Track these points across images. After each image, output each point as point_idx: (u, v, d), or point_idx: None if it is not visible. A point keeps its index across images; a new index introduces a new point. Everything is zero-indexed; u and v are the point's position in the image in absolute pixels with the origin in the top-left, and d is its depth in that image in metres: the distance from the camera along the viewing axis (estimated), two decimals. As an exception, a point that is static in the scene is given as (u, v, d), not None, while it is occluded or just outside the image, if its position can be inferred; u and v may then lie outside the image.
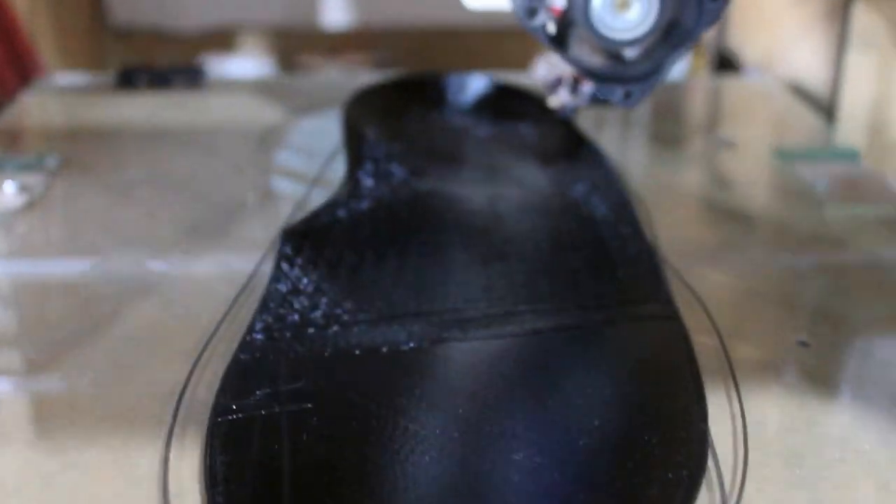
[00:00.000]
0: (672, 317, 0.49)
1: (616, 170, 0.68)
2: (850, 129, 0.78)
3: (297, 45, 1.17)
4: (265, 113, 0.84)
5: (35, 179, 0.69)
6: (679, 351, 0.46)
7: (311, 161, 0.72)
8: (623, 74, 0.59)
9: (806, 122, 0.82)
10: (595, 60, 0.60)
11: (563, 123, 0.76)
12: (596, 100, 0.72)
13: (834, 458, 0.41)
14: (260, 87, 0.92)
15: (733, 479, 0.39)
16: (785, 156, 0.73)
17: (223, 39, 1.20)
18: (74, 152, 0.75)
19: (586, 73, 0.59)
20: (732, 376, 0.46)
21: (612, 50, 0.59)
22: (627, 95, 0.59)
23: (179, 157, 0.74)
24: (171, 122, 0.82)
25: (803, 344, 0.49)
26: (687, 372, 0.44)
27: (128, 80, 0.91)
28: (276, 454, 0.38)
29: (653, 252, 0.56)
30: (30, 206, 0.65)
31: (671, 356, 0.46)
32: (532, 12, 0.58)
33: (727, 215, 0.65)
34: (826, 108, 0.83)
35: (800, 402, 0.45)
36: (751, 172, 0.73)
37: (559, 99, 0.72)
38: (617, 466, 0.38)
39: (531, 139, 0.74)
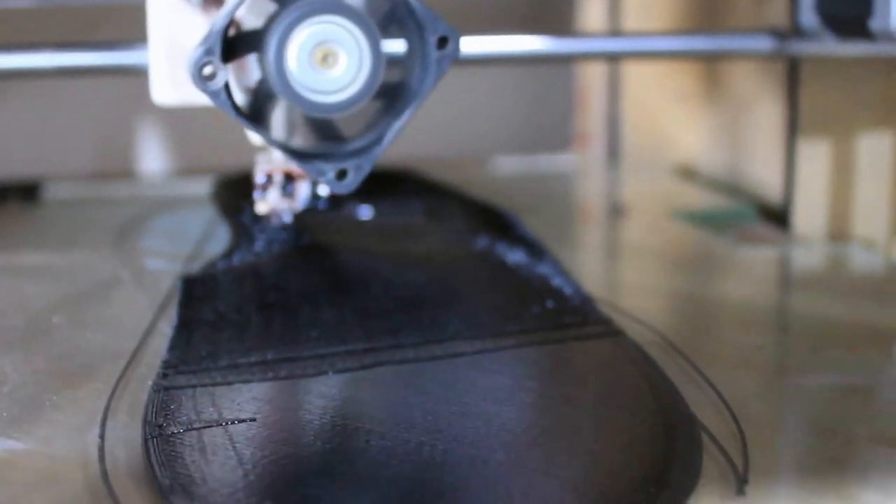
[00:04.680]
0: (618, 332, 0.49)
1: (520, 222, 0.68)
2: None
3: None
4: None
5: None
6: (635, 359, 0.46)
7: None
8: (333, 149, 0.46)
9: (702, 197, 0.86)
10: (305, 136, 0.47)
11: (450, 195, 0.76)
12: (315, 200, 0.59)
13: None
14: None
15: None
16: (687, 217, 0.78)
17: None
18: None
19: (284, 147, 0.45)
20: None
21: (319, 119, 0.45)
22: (341, 175, 0.45)
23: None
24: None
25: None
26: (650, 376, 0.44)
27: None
28: None
29: (578, 284, 0.55)
30: None
31: (627, 365, 0.46)
32: (211, 76, 0.43)
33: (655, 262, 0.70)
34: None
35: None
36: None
37: (268, 203, 0.57)
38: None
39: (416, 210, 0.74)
